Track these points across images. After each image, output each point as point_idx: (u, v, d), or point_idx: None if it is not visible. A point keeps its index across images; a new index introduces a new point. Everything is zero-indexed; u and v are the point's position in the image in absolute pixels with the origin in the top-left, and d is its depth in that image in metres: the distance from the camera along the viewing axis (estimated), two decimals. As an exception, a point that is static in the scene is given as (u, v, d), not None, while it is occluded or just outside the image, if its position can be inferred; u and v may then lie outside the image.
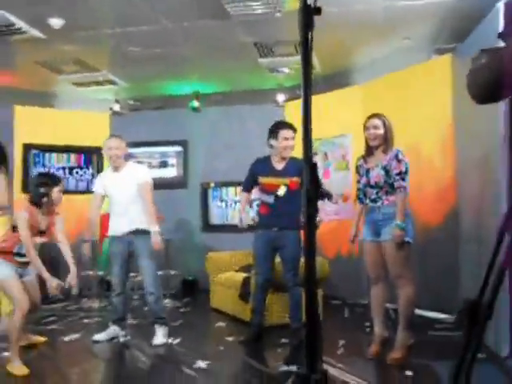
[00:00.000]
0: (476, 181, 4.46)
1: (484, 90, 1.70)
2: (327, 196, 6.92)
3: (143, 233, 4.39)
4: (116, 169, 4.54)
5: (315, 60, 6.18)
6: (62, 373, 3.54)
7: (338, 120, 6.49)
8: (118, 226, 4.47)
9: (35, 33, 5.14)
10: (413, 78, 5.62)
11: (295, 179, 4.15)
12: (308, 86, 1.52)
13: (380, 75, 6.06)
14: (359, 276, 5.81)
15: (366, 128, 3.78)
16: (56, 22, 4.90)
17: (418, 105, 5.55)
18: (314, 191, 1.50)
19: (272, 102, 7.24)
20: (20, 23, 4.90)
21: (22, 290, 3.57)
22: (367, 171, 3.75)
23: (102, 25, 5.07)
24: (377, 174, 3.67)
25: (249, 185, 4.54)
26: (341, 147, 6.64)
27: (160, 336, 4.32)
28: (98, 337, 4.42)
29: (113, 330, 4.48)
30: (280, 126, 4.35)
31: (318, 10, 1.48)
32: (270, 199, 4.28)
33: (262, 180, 4.35)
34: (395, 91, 5.77)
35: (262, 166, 4.39)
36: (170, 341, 4.30)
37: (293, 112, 6.62)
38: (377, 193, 3.68)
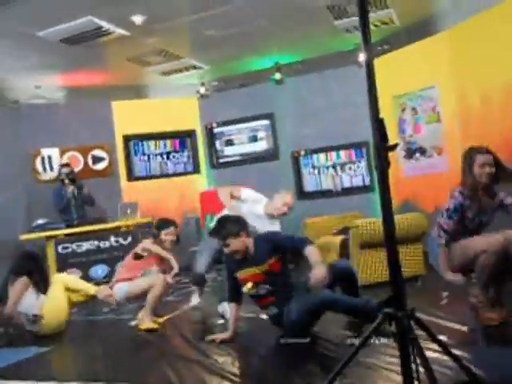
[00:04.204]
0: None
1: None
2: (421, 151, 6.80)
3: None
4: None
5: (393, 14, 6.03)
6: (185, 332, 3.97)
7: (424, 72, 6.28)
8: None
9: (121, 31, 5.52)
10: (508, 14, 5.20)
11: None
12: (367, 34, 1.61)
13: (466, 18, 5.76)
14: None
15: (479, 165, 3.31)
16: (138, 19, 5.23)
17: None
18: (384, 146, 1.59)
19: (354, 63, 7.16)
20: (106, 25, 5.29)
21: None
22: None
23: (178, 14, 5.32)
24: None
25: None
26: (430, 100, 6.45)
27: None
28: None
29: None
30: None
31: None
32: None
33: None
34: (487, 32, 5.39)
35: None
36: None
37: (377, 70, 6.49)
38: None
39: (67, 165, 6.98)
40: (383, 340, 2.91)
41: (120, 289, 4.49)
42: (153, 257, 4.64)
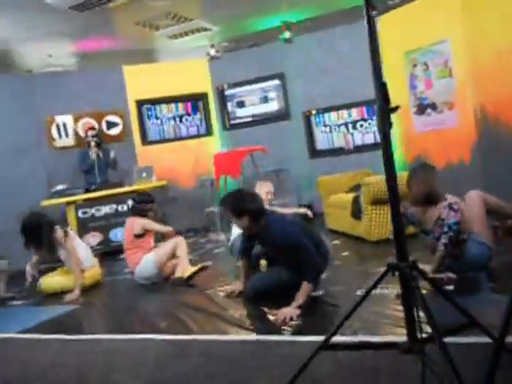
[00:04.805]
0: None
1: None
2: (432, 106, 6.80)
3: None
4: None
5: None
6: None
7: (436, 26, 6.19)
8: None
9: (129, -5, 5.53)
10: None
11: None
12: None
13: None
14: (475, 183, 5.72)
15: None
16: (146, -18, 5.24)
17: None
18: (386, 108, 1.68)
19: (363, 18, 7.05)
20: (115, -11, 5.31)
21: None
22: None
23: (186, -24, 5.31)
24: None
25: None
26: (441, 54, 6.40)
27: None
28: None
29: None
30: None
31: None
32: None
33: None
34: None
35: None
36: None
37: (388, 25, 6.42)
38: None
39: (93, 128, 7.11)
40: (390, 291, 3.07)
41: (146, 264, 4.66)
42: (150, 231, 4.86)
